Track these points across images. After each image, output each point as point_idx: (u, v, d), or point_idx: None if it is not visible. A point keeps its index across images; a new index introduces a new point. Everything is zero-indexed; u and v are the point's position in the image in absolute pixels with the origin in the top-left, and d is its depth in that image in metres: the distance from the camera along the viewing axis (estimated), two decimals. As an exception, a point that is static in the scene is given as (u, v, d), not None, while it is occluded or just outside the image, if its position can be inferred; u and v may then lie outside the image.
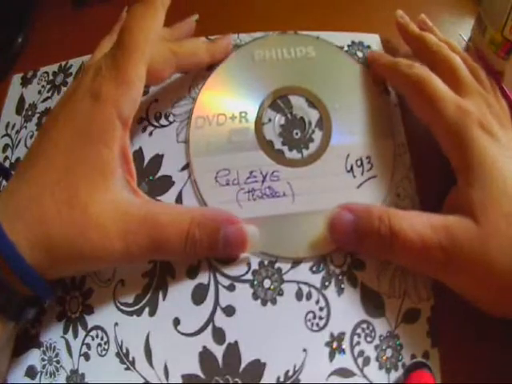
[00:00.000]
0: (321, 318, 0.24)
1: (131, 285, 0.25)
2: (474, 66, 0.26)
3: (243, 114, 0.29)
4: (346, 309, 0.24)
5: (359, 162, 0.27)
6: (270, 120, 0.29)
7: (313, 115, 0.29)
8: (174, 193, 0.27)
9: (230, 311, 0.24)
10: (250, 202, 0.26)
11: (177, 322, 0.24)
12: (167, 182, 0.27)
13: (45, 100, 0.33)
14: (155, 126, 0.29)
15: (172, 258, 0.25)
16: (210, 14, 0.32)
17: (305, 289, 0.24)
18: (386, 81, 0.29)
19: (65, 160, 0.22)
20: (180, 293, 0.25)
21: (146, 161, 0.28)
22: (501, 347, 0.23)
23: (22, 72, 0.35)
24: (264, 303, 0.24)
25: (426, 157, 0.27)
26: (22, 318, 0.22)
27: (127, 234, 0.22)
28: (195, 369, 0.23)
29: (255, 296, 0.24)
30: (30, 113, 0.33)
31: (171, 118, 0.29)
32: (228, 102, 0.29)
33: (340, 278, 0.24)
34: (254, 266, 0.25)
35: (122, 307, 0.25)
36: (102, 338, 0.24)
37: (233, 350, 0.23)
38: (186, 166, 0.28)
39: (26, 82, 0.35)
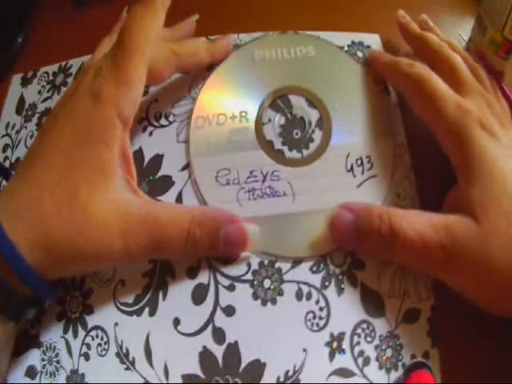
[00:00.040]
0: (321, 318, 0.24)
1: (131, 285, 0.25)
2: (475, 66, 0.26)
3: (243, 114, 0.29)
4: (345, 309, 0.24)
5: (359, 162, 0.27)
6: (269, 120, 0.29)
7: (313, 115, 0.29)
8: (174, 193, 0.27)
9: (230, 311, 0.24)
10: (250, 201, 0.26)
11: (177, 321, 0.24)
12: (167, 182, 0.27)
13: (45, 100, 0.33)
14: (155, 126, 0.29)
15: (172, 257, 0.25)
16: (209, 14, 0.32)
17: (305, 289, 0.24)
18: (386, 80, 0.29)
19: (65, 160, 0.22)
20: (180, 293, 0.25)
21: (146, 161, 0.28)
22: (501, 347, 0.23)
23: (22, 72, 0.35)
24: (264, 303, 0.24)
25: (426, 157, 0.27)
26: (22, 318, 0.22)
27: (127, 233, 0.22)
28: (195, 369, 0.23)
29: (255, 296, 0.24)
30: (29, 113, 0.33)
31: (171, 118, 0.29)
32: (228, 101, 0.29)
33: (340, 277, 0.24)
34: (254, 265, 0.25)
35: (122, 307, 0.25)
36: (102, 338, 0.24)
37: (233, 350, 0.23)
38: (186, 166, 0.28)
39: (26, 82, 0.35)
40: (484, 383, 0.22)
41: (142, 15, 0.24)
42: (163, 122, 0.29)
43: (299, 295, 0.24)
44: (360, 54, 0.31)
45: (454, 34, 0.31)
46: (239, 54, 0.31)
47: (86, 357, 0.24)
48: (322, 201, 0.26)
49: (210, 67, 0.30)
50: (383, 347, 0.23)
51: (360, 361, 0.23)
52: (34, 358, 0.25)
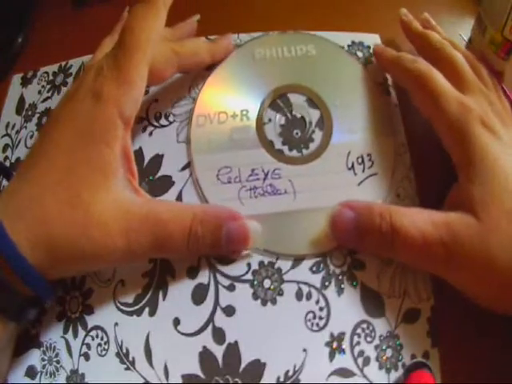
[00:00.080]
0: (321, 318, 0.24)
1: (131, 285, 0.25)
2: (476, 64, 0.26)
3: (244, 112, 0.29)
4: (345, 309, 0.24)
5: (360, 160, 0.27)
6: (270, 120, 0.29)
7: (313, 114, 0.29)
8: (174, 193, 0.27)
9: (230, 311, 0.24)
10: (251, 199, 0.26)
11: (177, 321, 0.24)
12: (167, 182, 0.27)
13: (45, 100, 0.33)
14: (155, 126, 0.29)
15: (174, 255, 0.25)
16: (210, 15, 0.32)
17: (305, 289, 0.24)
18: (386, 80, 0.29)
19: (66, 160, 0.22)
20: (180, 293, 0.25)
21: (146, 161, 0.28)
22: (501, 347, 0.23)
23: (22, 72, 0.35)
24: (264, 303, 0.24)
25: (426, 157, 0.27)
26: (23, 319, 0.22)
27: (129, 232, 0.22)
28: (195, 369, 0.23)
29: (255, 296, 0.24)
30: (30, 113, 0.33)
31: (171, 118, 0.29)
32: (229, 100, 0.29)
33: (340, 278, 0.24)
34: (254, 265, 0.25)
35: (122, 307, 0.25)
36: (102, 338, 0.24)
37: (233, 350, 0.23)
38: (186, 166, 0.28)
39: (26, 82, 0.35)
40: (484, 383, 0.22)
41: (144, 15, 0.24)
42: (163, 121, 0.29)
43: (299, 295, 0.24)
44: (360, 54, 0.31)
45: (454, 34, 0.31)
46: (240, 53, 0.31)
47: (86, 357, 0.24)
48: (323, 199, 0.26)
49: (210, 67, 0.30)
50: (383, 347, 0.23)
51: (360, 361, 0.23)
52: (34, 357, 0.25)
